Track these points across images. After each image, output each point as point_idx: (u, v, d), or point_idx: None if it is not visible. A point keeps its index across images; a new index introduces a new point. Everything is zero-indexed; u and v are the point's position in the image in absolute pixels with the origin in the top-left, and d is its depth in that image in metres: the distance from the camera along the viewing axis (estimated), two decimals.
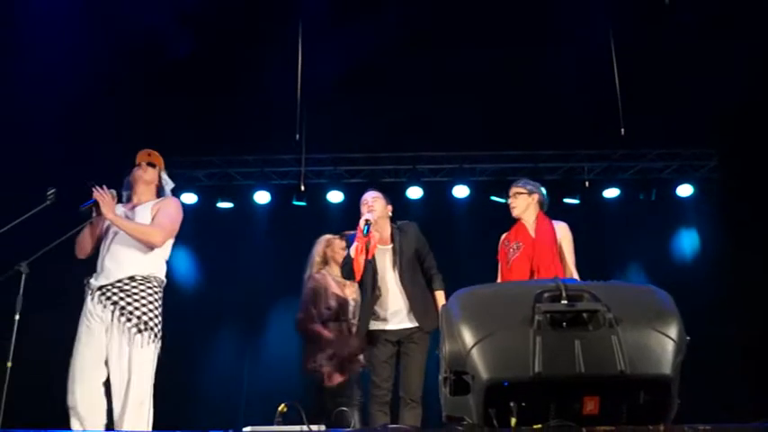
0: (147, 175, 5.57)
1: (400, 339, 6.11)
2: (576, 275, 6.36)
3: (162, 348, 5.25)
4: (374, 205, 6.36)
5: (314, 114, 9.55)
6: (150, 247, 5.28)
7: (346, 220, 9.73)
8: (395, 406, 6.13)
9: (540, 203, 6.66)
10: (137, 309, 5.12)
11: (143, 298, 5.17)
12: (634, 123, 9.36)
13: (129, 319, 5.09)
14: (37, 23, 8.28)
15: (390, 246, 6.30)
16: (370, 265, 6.15)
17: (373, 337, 6.13)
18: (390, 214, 6.47)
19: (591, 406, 3.25)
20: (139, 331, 5.09)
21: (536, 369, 3.16)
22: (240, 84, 9.50)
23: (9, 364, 4.90)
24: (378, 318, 6.16)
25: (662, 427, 3.19)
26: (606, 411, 3.27)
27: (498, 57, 9.00)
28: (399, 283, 6.20)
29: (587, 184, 11.23)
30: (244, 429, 4.34)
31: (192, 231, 10.56)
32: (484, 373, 3.23)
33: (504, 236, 6.65)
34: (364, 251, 6.04)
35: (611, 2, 8.82)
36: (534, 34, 8.99)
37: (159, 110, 9.15)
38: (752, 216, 9.87)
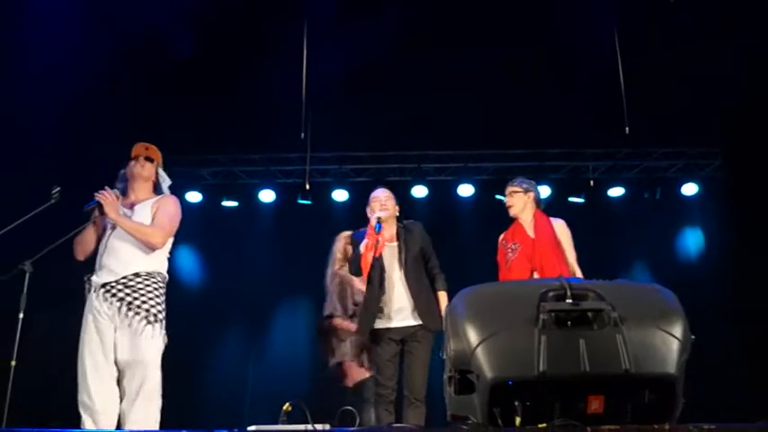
0: (146, 171, 5.53)
1: (404, 338, 6.11)
2: (578, 272, 6.36)
3: (167, 347, 5.25)
4: (387, 204, 6.39)
5: (319, 113, 9.55)
6: (150, 247, 5.28)
7: (351, 218, 9.75)
8: (398, 405, 6.13)
9: (537, 201, 6.66)
10: (144, 303, 5.13)
11: (149, 292, 5.18)
12: (639, 122, 9.35)
13: (137, 313, 5.09)
14: (44, 22, 8.28)
15: (396, 244, 6.31)
16: (378, 263, 6.16)
17: (377, 336, 6.12)
18: (397, 213, 6.49)
19: (596, 405, 3.25)
20: (149, 323, 5.10)
21: (541, 368, 3.16)
22: (245, 83, 9.51)
23: (13, 363, 4.90)
24: (382, 315, 6.15)
25: (667, 426, 3.19)
26: (611, 410, 3.27)
27: (503, 56, 8.99)
28: (405, 281, 6.19)
29: (592, 182, 11.21)
30: (249, 428, 4.35)
31: (197, 230, 10.61)
32: (488, 372, 3.23)
33: (502, 236, 6.65)
34: (373, 248, 6.06)
35: (615, 1, 8.81)
36: (539, 33, 8.98)
37: (164, 109, 9.16)
38: (757, 215, 9.85)
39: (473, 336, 3.32)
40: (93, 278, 5.25)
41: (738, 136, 10.15)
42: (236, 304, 11.18)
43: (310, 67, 9.15)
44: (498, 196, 10.41)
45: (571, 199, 11.11)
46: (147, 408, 5.05)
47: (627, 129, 9.30)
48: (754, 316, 9.81)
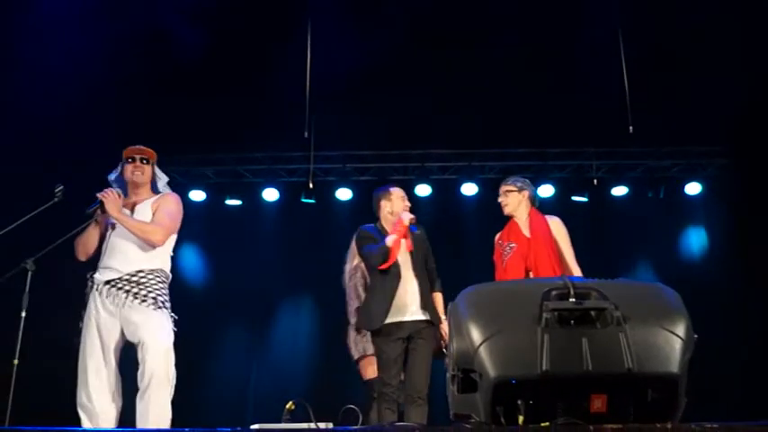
0: (145, 175, 5.51)
1: (411, 334, 6.11)
2: (577, 270, 6.35)
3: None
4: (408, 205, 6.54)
5: (323, 112, 9.55)
6: (151, 245, 5.28)
7: (355, 217, 9.75)
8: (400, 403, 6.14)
9: (532, 199, 6.64)
10: (150, 292, 5.13)
11: (153, 284, 5.18)
12: (642, 121, 9.34)
13: (143, 300, 5.09)
14: (45, 21, 8.29)
15: (405, 241, 6.37)
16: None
17: (385, 333, 6.11)
18: None
19: (598, 404, 3.25)
20: (157, 308, 5.10)
21: (544, 367, 3.16)
22: (249, 81, 9.52)
23: (15, 362, 4.90)
24: (395, 310, 6.16)
25: (669, 425, 3.19)
26: (613, 409, 3.27)
27: (507, 55, 8.99)
28: (415, 279, 6.25)
29: (595, 181, 11.21)
30: (252, 427, 4.34)
31: (201, 229, 10.63)
32: (492, 371, 3.23)
33: (498, 236, 6.65)
34: (402, 242, 6.20)
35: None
36: (543, 32, 8.98)
37: (168, 107, 9.16)
38: (760, 214, 9.85)
39: (476, 335, 3.32)
40: (96, 276, 5.25)
41: (743, 135, 10.15)
42: (240, 302, 11.19)
43: (314, 66, 9.15)
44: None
45: (574, 198, 11.11)
46: (160, 390, 5.01)
47: (630, 128, 9.29)
48: (758, 315, 9.82)
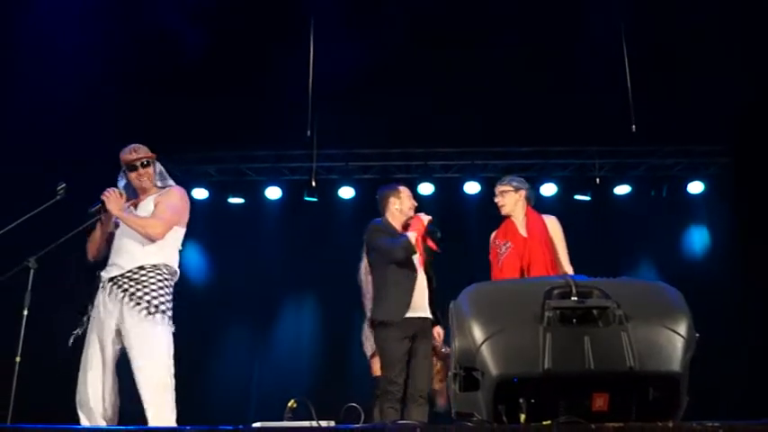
0: (150, 177, 5.49)
1: (416, 333, 6.12)
2: (569, 270, 6.33)
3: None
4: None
5: (325, 110, 9.55)
6: (151, 239, 5.26)
7: (358, 215, 9.76)
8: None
9: (528, 199, 6.63)
10: (146, 294, 5.11)
11: (152, 284, 5.16)
12: (645, 120, 9.33)
13: (137, 303, 5.08)
14: (46, 20, 8.29)
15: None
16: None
17: (397, 327, 6.09)
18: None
19: (600, 402, 3.25)
20: (150, 314, 5.08)
21: (545, 365, 3.16)
22: (252, 80, 9.52)
23: (18, 359, 4.91)
24: (411, 305, 6.17)
25: (671, 424, 3.18)
26: (615, 408, 3.27)
27: (509, 53, 8.98)
28: (425, 275, 6.33)
29: (598, 180, 11.21)
30: (254, 425, 4.34)
31: (204, 227, 10.63)
32: (493, 369, 3.23)
33: (493, 234, 6.64)
34: (423, 238, 6.35)
35: None
36: (546, 30, 8.97)
37: (171, 106, 9.16)
38: (762, 213, 9.84)
39: (478, 333, 3.32)
40: (102, 273, 5.27)
41: (745, 133, 10.14)
42: (242, 301, 11.21)
43: (317, 65, 9.15)
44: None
45: (577, 197, 11.12)
46: (161, 397, 5.02)
47: (633, 126, 9.27)
48: (759, 314, 9.81)
